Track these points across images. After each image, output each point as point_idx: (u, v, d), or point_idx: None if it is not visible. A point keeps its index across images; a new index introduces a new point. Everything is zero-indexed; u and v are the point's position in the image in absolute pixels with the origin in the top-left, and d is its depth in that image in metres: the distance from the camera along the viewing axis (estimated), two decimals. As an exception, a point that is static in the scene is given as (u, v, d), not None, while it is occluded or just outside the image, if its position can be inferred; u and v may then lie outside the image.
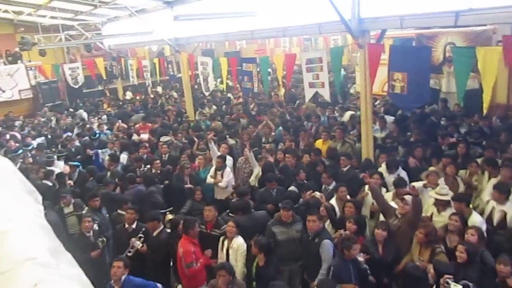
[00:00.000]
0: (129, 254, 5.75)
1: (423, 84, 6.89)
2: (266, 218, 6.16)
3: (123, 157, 9.59)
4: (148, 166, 8.74)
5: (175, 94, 18.52)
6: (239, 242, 5.52)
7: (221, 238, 5.69)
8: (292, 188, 7.05)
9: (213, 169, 8.06)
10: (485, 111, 6.12)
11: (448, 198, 5.71)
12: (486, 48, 6.02)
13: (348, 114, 11.21)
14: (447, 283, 4.04)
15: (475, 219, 5.41)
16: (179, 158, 9.03)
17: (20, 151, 10.63)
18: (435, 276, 4.38)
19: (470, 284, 3.82)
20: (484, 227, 5.27)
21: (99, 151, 10.52)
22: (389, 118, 10.11)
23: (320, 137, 9.15)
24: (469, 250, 4.55)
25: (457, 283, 4.07)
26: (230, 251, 5.52)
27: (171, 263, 6.15)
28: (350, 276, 4.82)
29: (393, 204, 5.89)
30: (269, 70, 13.66)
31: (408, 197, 5.63)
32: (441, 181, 6.41)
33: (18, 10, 16.91)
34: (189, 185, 7.89)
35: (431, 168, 6.83)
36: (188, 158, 8.89)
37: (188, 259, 5.36)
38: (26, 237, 1.25)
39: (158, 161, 8.68)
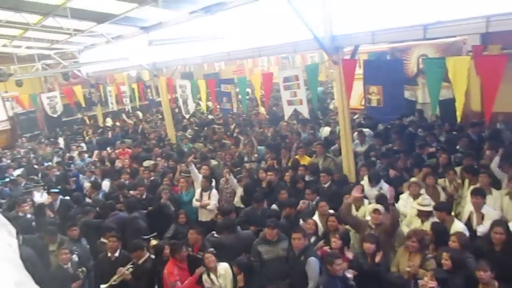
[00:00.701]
0: (114, 283, 5.62)
1: (398, 96, 7.03)
2: (252, 237, 6.14)
3: (105, 184, 9.49)
4: (131, 192, 8.66)
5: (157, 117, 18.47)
6: (225, 267, 5.48)
7: (205, 275, 5.51)
8: (273, 207, 7.06)
9: (198, 191, 8.02)
10: (458, 119, 6.24)
11: (430, 208, 5.77)
12: (455, 58, 6.19)
13: (326, 129, 11.35)
14: None
15: (458, 226, 5.48)
16: (161, 183, 8.96)
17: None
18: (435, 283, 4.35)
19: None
20: (467, 234, 5.33)
21: (80, 175, 10.43)
22: (368, 132, 10.25)
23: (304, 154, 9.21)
24: (453, 257, 4.59)
25: None
26: (221, 280, 5.44)
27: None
28: None
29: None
30: (248, 90, 13.76)
31: (381, 207, 5.67)
32: (423, 191, 6.49)
33: (-7, 42, 16.78)
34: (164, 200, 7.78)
35: (413, 179, 6.91)
36: (171, 182, 8.82)
37: (171, 279, 5.37)
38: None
39: (142, 187, 8.58)
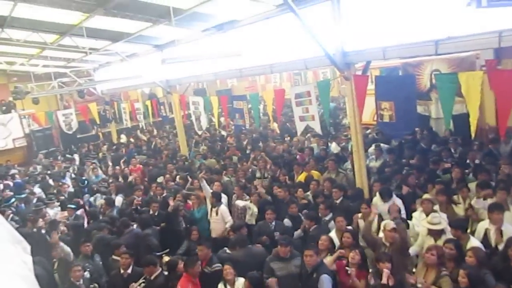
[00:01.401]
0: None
1: (410, 111, 6.99)
2: (263, 253, 6.12)
3: (118, 200, 9.57)
4: (144, 208, 8.72)
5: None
6: (242, 281, 5.43)
7: (221, 284, 5.53)
8: (286, 221, 7.05)
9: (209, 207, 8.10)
10: (473, 134, 6.18)
11: (440, 227, 5.66)
12: (468, 73, 6.15)
13: (333, 145, 11.36)
14: None
15: (473, 243, 5.36)
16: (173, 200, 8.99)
17: (13, 199, 10.57)
18: None
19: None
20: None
21: (91, 198, 10.51)
22: (385, 147, 10.21)
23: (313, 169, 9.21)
24: (470, 274, 4.49)
25: None
26: None
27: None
28: None
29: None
30: (260, 106, 13.84)
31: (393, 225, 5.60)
32: (437, 207, 6.40)
33: (11, 61, 17.20)
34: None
35: (426, 195, 6.82)
36: (183, 198, 8.84)
37: None
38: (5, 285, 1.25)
39: (156, 204, 8.61)
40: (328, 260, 5.64)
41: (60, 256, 6.81)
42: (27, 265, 1.94)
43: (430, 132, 11.06)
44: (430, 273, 5.03)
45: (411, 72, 11.06)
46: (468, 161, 8.54)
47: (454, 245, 5.14)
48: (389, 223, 5.71)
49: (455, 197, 6.84)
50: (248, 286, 5.18)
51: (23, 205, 10.53)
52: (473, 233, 6.05)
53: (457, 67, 10.21)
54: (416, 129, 10.66)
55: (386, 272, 4.78)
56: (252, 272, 5.37)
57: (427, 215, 6.07)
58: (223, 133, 16.15)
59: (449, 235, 5.57)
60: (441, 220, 5.75)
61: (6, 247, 1.74)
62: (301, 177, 9.05)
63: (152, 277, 5.83)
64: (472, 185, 6.98)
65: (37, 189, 11.97)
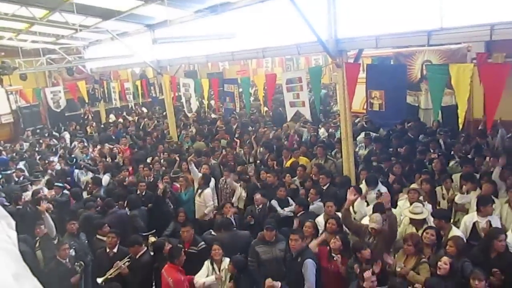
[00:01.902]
0: (110, 276, 5.64)
1: (400, 101, 7.04)
2: (248, 237, 6.18)
3: (105, 179, 9.53)
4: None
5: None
6: (228, 261, 5.50)
7: (208, 262, 5.61)
8: (273, 202, 7.17)
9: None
10: (460, 126, 6.25)
11: (422, 216, 5.75)
12: (458, 65, 6.19)
13: (322, 131, 11.45)
14: None
15: (455, 233, 5.46)
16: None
17: (11, 172, 10.47)
18: None
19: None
20: (464, 240, 5.34)
21: (78, 171, 10.46)
22: (374, 135, 10.29)
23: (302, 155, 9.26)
24: (453, 263, 4.60)
25: None
26: (223, 273, 5.48)
27: (154, 285, 6.07)
28: None
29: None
30: (251, 91, 13.78)
31: (378, 217, 5.58)
32: (421, 198, 6.48)
33: (-1, 35, 16.84)
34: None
35: (413, 185, 6.90)
36: (170, 180, 8.83)
37: None
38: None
39: (144, 184, 8.60)
40: (312, 244, 5.72)
41: (43, 234, 6.78)
42: (11, 239, 1.93)
43: (418, 122, 11.15)
44: (410, 260, 5.15)
45: (403, 62, 11.09)
46: (452, 152, 8.65)
47: (435, 232, 5.24)
48: (373, 219, 5.58)
49: (438, 188, 6.95)
50: (232, 268, 5.25)
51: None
52: (455, 223, 6.18)
53: (448, 58, 10.27)
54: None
55: (378, 265, 4.82)
56: (236, 256, 5.43)
57: (411, 203, 6.16)
58: (213, 116, 16.09)
59: (431, 225, 5.66)
60: (423, 210, 5.83)
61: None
62: (288, 163, 9.09)
63: (137, 256, 5.86)
64: (456, 177, 7.10)
65: (21, 166, 11.84)
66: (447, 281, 4.45)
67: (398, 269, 5.01)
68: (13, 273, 1.24)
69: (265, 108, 15.04)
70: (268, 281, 4.84)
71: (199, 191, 8.00)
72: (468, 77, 5.87)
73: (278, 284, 4.84)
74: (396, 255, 5.45)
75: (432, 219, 5.80)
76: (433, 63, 10.27)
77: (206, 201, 7.87)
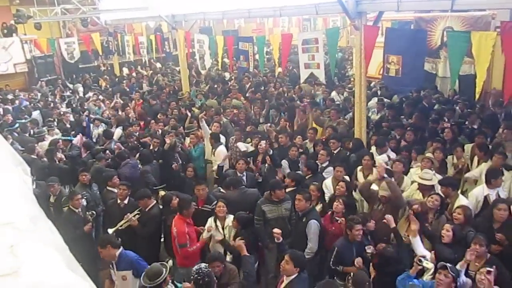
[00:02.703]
0: (121, 228, 5.81)
1: (417, 68, 6.91)
2: (256, 195, 6.24)
3: (118, 132, 9.63)
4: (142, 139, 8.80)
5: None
6: (232, 218, 5.59)
7: (211, 219, 5.71)
8: (284, 161, 7.22)
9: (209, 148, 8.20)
10: (477, 95, 6.14)
11: (432, 183, 5.73)
12: (481, 33, 6.01)
13: (333, 94, 11.35)
14: (420, 261, 4.14)
15: (462, 202, 5.48)
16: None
17: (17, 125, 10.59)
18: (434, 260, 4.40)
19: (448, 264, 3.88)
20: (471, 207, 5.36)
21: (91, 124, 10.58)
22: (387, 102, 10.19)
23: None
24: (455, 230, 4.64)
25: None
26: (226, 231, 5.58)
27: (163, 238, 6.25)
28: (352, 258, 4.87)
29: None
30: (266, 50, 13.60)
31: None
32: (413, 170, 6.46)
33: (13, -18, 16.65)
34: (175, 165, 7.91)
35: (428, 154, 6.80)
36: (181, 136, 8.89)
37: (181, 240, 5.33)
38: (5, 203, 1.29)
39: (157, 140, 8.60)
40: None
41: (57, 192, 6.90)
42: (27, 184, 1.99)
43: (435, 91, 10.96)
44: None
45: (424, 27, 10.78)
46: (467, 123, 8.53)
47: (439, 198, 5.28)
48: (383, 187, 5.60)
49: (449, 157, 6.91)
50: (236, 224, 5.34)
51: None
52: (463, 193, 6.18)
53: (471, 26, 9.95)
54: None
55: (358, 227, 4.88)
56: (240, 212, 5.53)
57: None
58: (226, 74, 15.97)
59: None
60: (433, 177, 5.82)
61: (8, 167, 1.78)
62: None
63: (147, 209, 6.00)
64: (468, 147, 7.04)
65: (35, 116, 11.96)
66: (455, 248, 4.48)
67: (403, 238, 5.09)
68: (31, 216, 1.30)
69: (279, 69, 14.85)
70: (276, 230, 4.95)
71: (213, 150, 8.05)
72: (490, 46, 5.72)
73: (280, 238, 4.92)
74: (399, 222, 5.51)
75: (439, 187, 5.80)
76: (454, 30, 9.96)
77: (216, 159, 7.92)
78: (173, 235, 5.46)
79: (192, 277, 3.93)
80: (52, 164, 7.90)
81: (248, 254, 4.46)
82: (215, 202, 5.97)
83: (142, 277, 4.16)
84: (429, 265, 4.12)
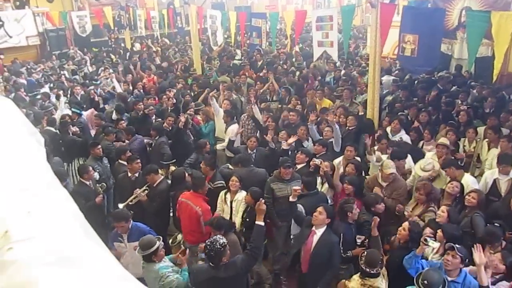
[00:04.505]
0: (131, 203, 5.87)
1: (434, 48, 6.78)
2: (264, 174, 6.25)
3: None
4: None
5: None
6: (243, 194, 5.64)
7: (223, 192, 5.78)
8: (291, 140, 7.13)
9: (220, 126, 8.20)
10: (495, 77, 6.02)
11: (433, 174, 5.75)
12: (501, 13, 5.85)
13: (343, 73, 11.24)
14: (426, 240, 4.14)
15: (467, 179, 5.54)
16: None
17: (38, 96, 10.62)
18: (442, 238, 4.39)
19: (456, 245, 3.87)
20: (476, 187, 5.41)
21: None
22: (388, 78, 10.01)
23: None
24: (450, 211, 4.68)
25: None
26: (234, 204, 5.63)
27: (172, 214, 6.31)
28: (353, 239, 4.93)
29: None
30: (279, 27, 13.40)
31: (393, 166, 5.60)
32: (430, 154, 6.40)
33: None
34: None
35: (442, 139, 6.61)
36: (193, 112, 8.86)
37: (207, 217, 5.32)
38: (21, 170, 1.30)
39: (172, 118, 8.31)
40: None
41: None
42: (41, 154, 1.99)
43: (458, 73, 10.72)
44: (418, 207, 5.26)
45: (442, 6, 10.51)
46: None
47: (459, 185, 5.26)
48: (387, 164, 5.63)
49: (462, 139, 6.84)
50: (250, 199, 5.35)
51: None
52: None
53: (490, 6, 9.69)
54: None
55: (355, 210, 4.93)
56: (254, 187, 5.55)
57: (439, 158, 6.10)
58: (237, 51, 15.80)
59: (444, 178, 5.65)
60: (433, 166, 5.83)
61: (23, 136, 1.78)
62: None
63: (155, 184, 6.04)
64: (481, 130, 6.94)
65: (47, 89, 11.98)
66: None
67: (405, 213, 5.13)
68: (45, 182, 1.30)
69: (296, 47, 14.58)
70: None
71: (226, 127, 8.02)
72: (510, 26, 5.56)
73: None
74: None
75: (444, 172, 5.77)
76: (473, 9, 9.71)
77: (227, 136, 7.91)
78: (194, 213, 5.41)
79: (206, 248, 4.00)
80: (64, 136, 7.95)
81: (263, 223, 4.42)
82: (219, 181, 6.04)
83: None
84: (435, 244, 4.12)
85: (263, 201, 4.61)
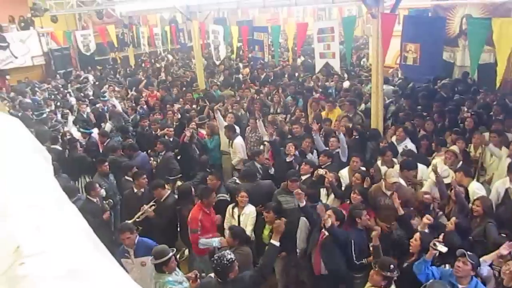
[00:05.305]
0: (138, 219, 5.86)
1: (436, 56, 6.81)
2: (271, 186, 6.25)
3: (108, 126, 9.58)
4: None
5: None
6: (251, 208, 5.66)
7: (230, 207, 5.78)
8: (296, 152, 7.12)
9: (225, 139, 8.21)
10: (498, 84, 6.02)
11: (447, 181, 5.67)
12: (502, 19, 5.89)
13: (346, 83, 11.23)
14: (435, 244, 4.10)
15: (474, 186, 5.49)
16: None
17: (44, 115, 10.70)
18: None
19: (468, 252, 3.82)
20: (483, 193, 5.34)
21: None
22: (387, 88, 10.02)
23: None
24: (458, 224, 4.62)
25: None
26: (242, 218, 5.62)
27: (179, 228, 6.29)
28: (367, 246, 4.88)
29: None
30: (281, 40, 13.49)
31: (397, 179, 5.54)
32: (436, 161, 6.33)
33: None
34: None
35: (453, 147, 6.57)
36: (196, 127, 8.89)
37: (192, 226, 5.45)
38: (29, 186, 1.31)
39: (172, 129, 8.66)
40: None
41: None
42: (48, 170, 2.01)
43: (463, 80, 10.71)
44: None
45: (442, 15, 10.57)
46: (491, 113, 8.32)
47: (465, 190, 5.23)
48: (390, 174, 5.57)
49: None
50: (272, 217, 5.20)
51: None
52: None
53: (490, 13, 9.72)
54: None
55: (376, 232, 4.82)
56: (270, 203, 5.53)
57: (447, 165, 6.05)
58: (240, 65, 15.92)
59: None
60: (448, 173, 5.79)
61: (30, 153, 1.80)
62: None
63: (162, 199, 6.04)
64: (486, 136, 6.90)
65: (52, 107, 12.05)
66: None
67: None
68: (55, 199, 1.31)
69: (301, 59, 14.64)
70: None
71: (230, 141, 8.02)
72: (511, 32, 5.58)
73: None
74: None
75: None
76: (474, 16, 9.75)
77: (235, 151, 7.92)
78: (188, 221, 5.53)
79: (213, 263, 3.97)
80: (72, 154, 7.99)
81: (278, 244, 4.31)
82: (221, 194, 6.07)
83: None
84: (443, 248, 4.08)
85: (284, 221, 4.55)
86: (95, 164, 7.36)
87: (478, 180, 6.36)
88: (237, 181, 6.68)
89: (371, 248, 4.79)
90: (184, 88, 13.11)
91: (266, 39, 10.48)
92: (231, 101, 9.41)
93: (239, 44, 12.83)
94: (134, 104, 11.50)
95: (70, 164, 7.85)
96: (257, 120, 8.10)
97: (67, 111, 10.95)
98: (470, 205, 5.07)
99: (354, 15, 14.67)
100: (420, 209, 5.17)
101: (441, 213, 5.27)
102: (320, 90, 10.72)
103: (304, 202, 5.15)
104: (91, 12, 19.19)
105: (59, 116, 10.86)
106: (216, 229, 5.68)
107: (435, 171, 5.59)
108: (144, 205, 5.90)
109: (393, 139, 7.18)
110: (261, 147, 7.95)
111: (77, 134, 9.08)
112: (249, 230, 5.53)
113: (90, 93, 13.89)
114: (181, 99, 11.31)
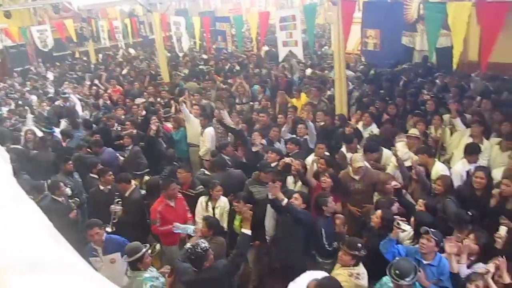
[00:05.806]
0: (114, 221, 5.73)
1: (395, 41, 6.98)
2: (241, 176, 6.26)
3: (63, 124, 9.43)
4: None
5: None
6: (225, 200, 5.69)
7: (204, 199, 5.74)
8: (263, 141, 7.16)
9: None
10: (454, 66, 6.21)
11: (408, 164, 5.85)
12: (456, 3, 6.04)
13: (308, 71, 11.35)
14: (398, 223, 4.24)
15: (438, 167, 5.65)
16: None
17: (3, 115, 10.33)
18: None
19: (431, 229, 3.96)
20: (447, 173, 5.51)
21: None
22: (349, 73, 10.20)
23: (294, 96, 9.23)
24: (426, 204, 4.77)
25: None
26: (217, 210, 5.62)
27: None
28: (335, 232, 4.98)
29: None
30: (244, 31, 13.45)
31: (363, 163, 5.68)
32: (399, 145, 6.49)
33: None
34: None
35: (412, 130, 6.73)
36: (159, 121, 8.76)
37: (151, 216, 5.51)
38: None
39: (129, 124, 8.39)
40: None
41: None
42: (6, 169, 1.95)
43: (424, 64, 11.00)
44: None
45: (400, 0, 10.79)
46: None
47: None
48: (355, 159, 5.71)
49: (429, 127, 7.03)
50: (243, 206, 5.12)
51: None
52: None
53: (446, -3, 10.00)
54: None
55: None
56: (241, 193, 5.55)
57: (409, 148, 6.24)
58: (204, 56, 15.77)
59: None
60: (409, 157, 5.98)
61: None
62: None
63: (127, 194, 5.95)
64: (446, 117, 7.14)
65: (12, 107, 11.65)
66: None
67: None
68: (12, 196, 1.27)
69: (266, 48, 14.64)
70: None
71: (202, 130, 7.96)
72: (466, 16, 5.77)
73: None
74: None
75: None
76: (430, 1, 10.01)
77: (205, 140, 7.83)
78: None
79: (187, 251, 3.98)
80: (41, 153, 7.76)
81: (250, 232, 4.34)
82: (199, 187, 6.01)
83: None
84: (407, 227, 4.22)
85: (250, 206, 4.55)
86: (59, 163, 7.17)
87: (439, 160, 6.58)
88: (206, 172, 6.67)
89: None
90: (148, 81, 12.90)
91: (229, 29, 10.41)
92: (187, 93, 9.16)
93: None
94: (94, 101, 11.23)
95: (37, 163, 7.61)
96: (221, 110, 8.04)
97: (26, 108, 10.58)
98: (433, 184, 5.24)
99: (316, 3, 14.80)
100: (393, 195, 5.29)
101: (405, 192, 5.42)
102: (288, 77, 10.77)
103: (282, 196, 4.99)
104: (47, 7, 18.50)
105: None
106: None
107: (395, 154, 5.75)
108: (112, 206, 5.78)
109: (359, 124, 7.30)
110: (228, 138, 7.94)
111: (39, 133, 8.80)
112: (225, 221, 5.55)
113: (51, 90, 13.47)
114: (145, 93, 11.12)
